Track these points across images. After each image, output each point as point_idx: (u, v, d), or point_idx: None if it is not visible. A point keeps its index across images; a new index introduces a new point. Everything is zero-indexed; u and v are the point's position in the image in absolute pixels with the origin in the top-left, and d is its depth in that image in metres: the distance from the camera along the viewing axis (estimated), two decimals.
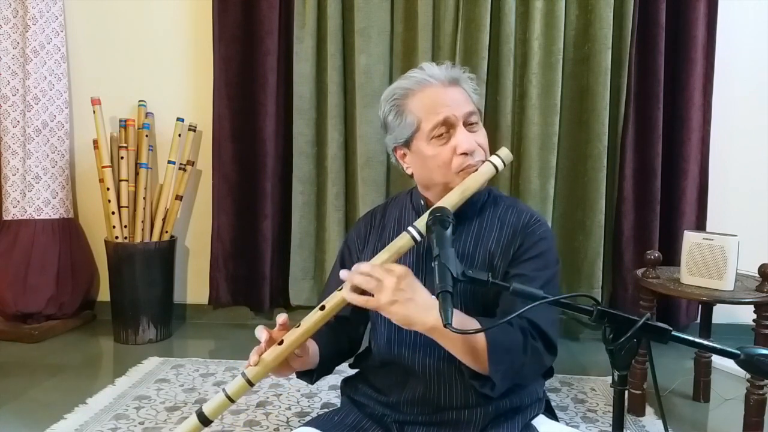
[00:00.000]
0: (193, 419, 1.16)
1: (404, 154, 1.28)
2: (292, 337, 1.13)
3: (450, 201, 1.17)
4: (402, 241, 1.13)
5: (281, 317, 1.16)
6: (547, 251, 1.23)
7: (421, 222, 1.13)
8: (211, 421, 1.17)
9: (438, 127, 1.20)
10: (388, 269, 1.06)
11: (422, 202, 1.30)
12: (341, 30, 2.96)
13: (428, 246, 1.19)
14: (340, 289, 1.11)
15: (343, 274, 1.10)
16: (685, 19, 2.84)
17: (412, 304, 1.05)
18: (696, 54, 2.83)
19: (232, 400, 1.16)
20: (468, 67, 1.34)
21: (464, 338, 1.08)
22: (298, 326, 1.13)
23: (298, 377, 1.28)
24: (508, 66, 2.85)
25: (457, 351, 1.11)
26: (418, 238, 1.13)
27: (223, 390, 1.16)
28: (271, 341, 1.15)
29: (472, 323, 1.09)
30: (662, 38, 2.82)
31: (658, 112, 2.84)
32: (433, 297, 1.04)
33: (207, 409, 1.16)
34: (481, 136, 1.24)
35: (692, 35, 2.83)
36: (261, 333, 1.15)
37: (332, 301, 1.11)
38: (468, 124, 1.22)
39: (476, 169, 1.20)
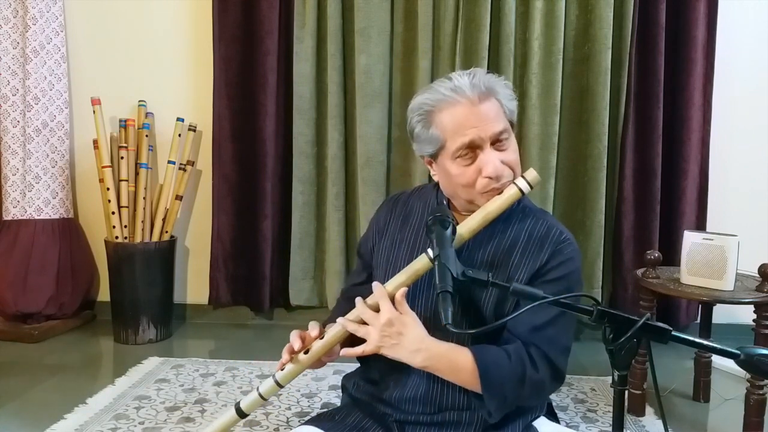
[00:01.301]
0: (231, 412, 1.26)
1: (431, 162, 1.26)
2: (317, 347, 1.20)
3: (470, 226, 1.15)
4: (419, 264, 1.13)
5: (314, 330, 1.23)
6: (571, 274, 1.19)
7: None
8: (248, 415, 1.26)
9: (463, 148, 1.16)
10: (374, 315, 1.12)
11: (445, 202, 1.29)
12: (341, 30, 2.96)
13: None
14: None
15: (359, 304, 1.16)
16: (685, 19, 2.84)
17: (398, 348, 1.11)
18: (696, 54, 2.83)
19: (264, 398, 1.25)
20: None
21: (456, 373, 1.13)
22: (322, 338, 1.20)
23: None
24: (508, 66, 2.85)
25: (453, 381, 1.15)
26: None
27: (257, 389, 1.25)
28: (305, 344, 1.22)
29: (463, 353, 1.13)
30: (662, 38, 2.82)
31: (658, 112, 2.84)
32: (423, 334, 1.12)
33: (244, 404, 1.25)
34: (510, 153, 1.18)
35: (692, 35, 2.83)
36: (295, 340, 1.21)
37: (334, 330, 1.19)
38: (497, 142, 1.17)
39: (501, 191, 1.16)
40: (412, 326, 1.11)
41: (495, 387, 1.11)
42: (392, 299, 1.12)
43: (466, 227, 1.15)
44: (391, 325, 1.10)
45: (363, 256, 1.39)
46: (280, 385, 1.22)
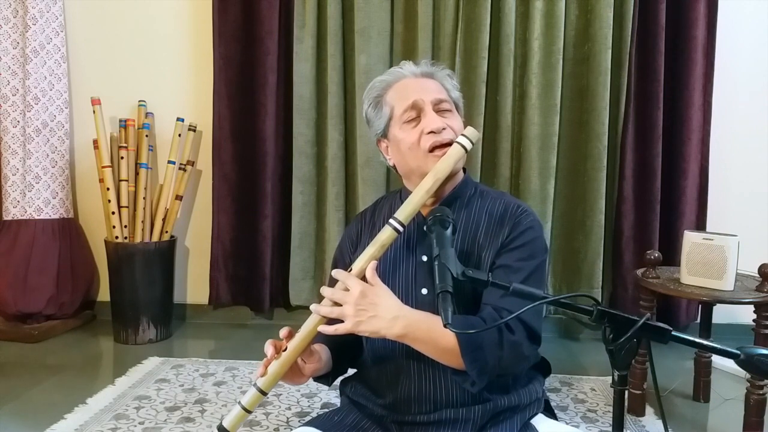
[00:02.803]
0: None
1: (386, 147, 1.34)
2: (294, 343, 1.17)
3: (425, 186, 1.19)
4: (385, 235, 1.16)
5: (283, 330, 1.20)
6: (534, 240, 1.24)
7: (401, 213, 1.17)
8: None
9: (408, 111, 1.26)
10: (345, 293, 1.11)
11: None
12: (341, 30, 2.96)
13: (408, 235, 1.25)
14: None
15: (324, 291, 1.15)
16: (685, 19, 2.84)
17: (375, 320, 1.10)
18: (696, 54, 2.83)
19: (248, 411, 1.19)
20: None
21: (435, 340, 1.11)
22: (298, 332, 1.17)
23: (315, 381, 1.33)
24: (508, 66, 2.85)
25: (429, 353, 1.14)
26: (400, 228, 1.16)
27: (239, 402, 1.19)
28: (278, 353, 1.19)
29: (440, 320, 1.08)
30: (662, 38, 2.82)
31: (658, 112, 2.84)
32: (398, 303, 1.12)
33: (226, 422, 1.19)
34: (453, 121, 1.27)
35: (692, 35, 2.83)
36: (268, 348, 1.19)
37: (310, 321, 1.15)
38: (439, 111, 1.26)
39: (446, 151, 1.22)
40: (386, 295, 1.12)
41: (474, 350, 1.11)
42: (364, 279, 1.13)
43: (422, 188, 1.19)
44: (364, 296, 1.10)
45: None
46: (263, 393, 1.17)
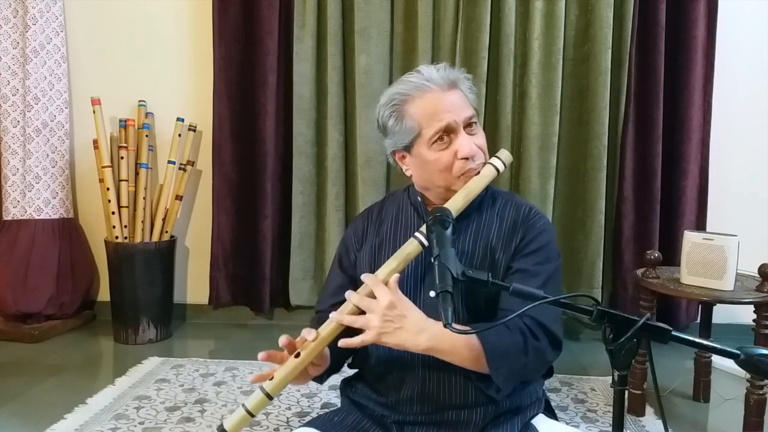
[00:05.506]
0: None
1: (403, 157, 1.30)
2: (309, 349, 1.14)
3: (454, 204, 1.18)
4: (410, 248, 1.15)
5: (311, 333, 1.15)
6: (548, 244, 1.25)
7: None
8: None
9: (439, 133, 1.21)
10: (372, 301, 1.09)
11: (419, 198, 1.32)
12: (341, 30, 2.96)
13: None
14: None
15: (350, 296, 1.12)
16: (685, 19, 2.84)
17: (400, 332, 1.08)
18: (696, 54, 2.83)
19: (252, 415, 1.16)
20: (464, 68, 1.34)
21: (461, 349, 1.11)
22: (314, 339, 1.14)
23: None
24: (508, 66, 2.85)
25: (456, 363, 1.13)
26: (426, 243, 1.14)
27: (243, 405, 1.15)
28: (291, 347, 1.15)
29: (464, 335, 1.09)
30: (662, 38, 2.82)
31: (658, 112, 2.84)
32: (423, 316, 1.10)
33: (227, 424, 1.16)
34: (480, 138, 1.25)
35: (692, 35, 2.83)
36: (283, 342, 1.16)
37: (328, 327, 1.13)
38: (468, 126, 1.23)
39: (478, 172, 1.21)
40: (413, 308, 1.11)
41: (500, 357, 1.11)
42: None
43: (451, 205, 1.17)
44: (393, 307, 1.08)
45: (346, 270, 1.35)
46: (270, 397, 1.14)
